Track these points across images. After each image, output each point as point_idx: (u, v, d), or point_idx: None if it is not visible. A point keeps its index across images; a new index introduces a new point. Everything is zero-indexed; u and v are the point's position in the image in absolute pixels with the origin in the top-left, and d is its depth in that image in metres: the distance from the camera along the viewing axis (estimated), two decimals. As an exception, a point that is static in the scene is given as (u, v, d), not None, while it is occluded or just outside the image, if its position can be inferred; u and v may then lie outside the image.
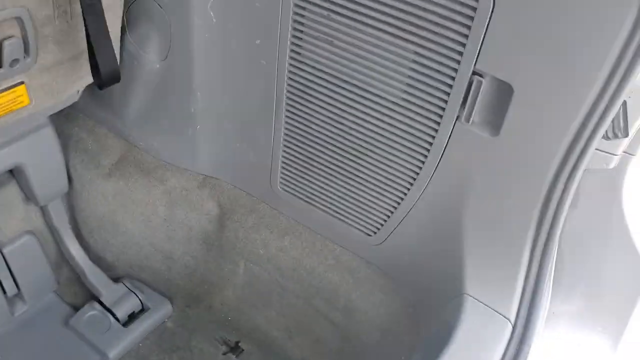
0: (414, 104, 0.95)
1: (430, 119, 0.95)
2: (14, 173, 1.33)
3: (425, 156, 0.99)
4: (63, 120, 1.41)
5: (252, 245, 1.36)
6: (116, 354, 1.38)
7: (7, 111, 1.08)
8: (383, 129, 1.01)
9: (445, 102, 0.92)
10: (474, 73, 0.87)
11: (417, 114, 0.96)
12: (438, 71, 0.90)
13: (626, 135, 0.84)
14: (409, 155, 1.01)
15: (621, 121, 0.83)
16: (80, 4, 0.98)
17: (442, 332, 0.96)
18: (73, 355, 1.38)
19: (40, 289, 1.46)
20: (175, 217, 1.42)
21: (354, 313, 1.23)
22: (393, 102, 0.98)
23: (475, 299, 0.98)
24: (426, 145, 0.98)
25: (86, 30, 1.00)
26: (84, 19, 0.99)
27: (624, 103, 0.81)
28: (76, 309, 1.47)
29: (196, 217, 1.41)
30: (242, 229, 1.37)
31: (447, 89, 0.91)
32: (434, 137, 0.96)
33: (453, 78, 0.89)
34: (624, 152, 0.89)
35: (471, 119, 0.90)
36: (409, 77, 0.94)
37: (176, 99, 1.25)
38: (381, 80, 0.97)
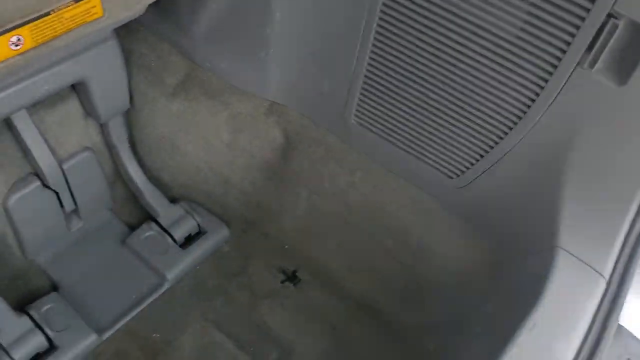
0: (530, 43, 0.87)
1: (546, 61, 0.87)
2: (76, 88, 1.27)
3: (533, 100, 0.92)
4: (124, 34, 1.33)
5: (318, 178, 1.31)
6: (174, 276, 1.38)
7: (79, 23, 1.01)
8: (487, 66, 0.94)
9: (568, 44, 0.84)
10: (609, 15, 0.79)
11: (532, 54, 0.88)
12: (566, 10, 0.82)
13: None
14: (513, 97, 0.94)
15: None
16: None
17: (532, 284, 0.93)
18: (130, 274, 1.38)
19: (97, 206, 1.44)
20: (238, 143, 1.37)
21: (427, 255, 1.20)
22: (504, 40, 0.90)
23: (569, 252, 0.95)
24: (536, 89, 0.91)
25: None
26: None
27: None
28: (131, 228, 1.46)
29: (260, 145, 1.37)
30: (307, 161, 1.32)
31: (572, 30, 0.82)
32: (546, 81, 0.89)
33: (583, 19, 0.81)
34: None
35: (596, 65, 0.83)
36: (529, 13, 0.86)
37: (252, 18, 1.17)
38: (495, 14, 0.88)
